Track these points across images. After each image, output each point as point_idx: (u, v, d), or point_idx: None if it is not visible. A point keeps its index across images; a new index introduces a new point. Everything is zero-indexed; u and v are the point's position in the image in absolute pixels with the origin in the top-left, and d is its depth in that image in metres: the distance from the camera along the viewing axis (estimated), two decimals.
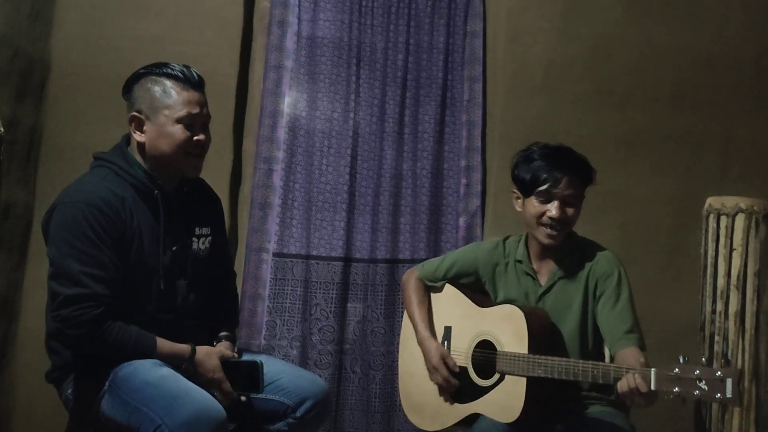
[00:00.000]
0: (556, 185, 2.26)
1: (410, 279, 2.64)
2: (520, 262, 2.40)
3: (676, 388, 1.87)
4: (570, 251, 2.36)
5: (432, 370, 2.43)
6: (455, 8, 3.59)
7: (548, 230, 2.29)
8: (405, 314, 2.67)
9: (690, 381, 1.85)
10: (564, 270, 2.34)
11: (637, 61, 3.49)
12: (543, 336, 2.26)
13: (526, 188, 2.32)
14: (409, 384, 2.60)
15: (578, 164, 2.32)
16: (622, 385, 1.97)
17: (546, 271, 2.38)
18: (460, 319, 2.48)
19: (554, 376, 2.14)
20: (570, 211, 2.29)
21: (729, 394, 1.81)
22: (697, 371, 1.85)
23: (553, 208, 2.27)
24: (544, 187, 2.27)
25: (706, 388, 1.83)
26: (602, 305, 2.27)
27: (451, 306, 2.53)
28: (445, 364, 2.40)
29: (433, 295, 2.61)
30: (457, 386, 2.39)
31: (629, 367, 1.98)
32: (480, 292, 2.51)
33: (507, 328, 2.29)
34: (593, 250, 2.36)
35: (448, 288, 2.56)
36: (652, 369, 1.92)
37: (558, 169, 2.28)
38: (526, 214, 2.34)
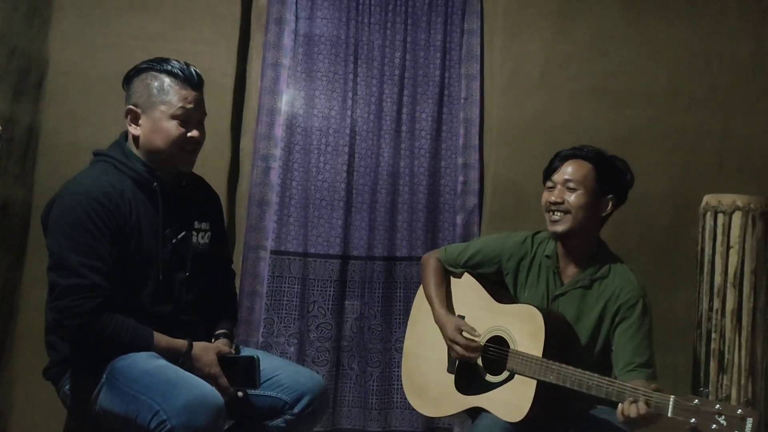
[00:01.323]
0: (555, 171, 2.34)
1: (430, 260, 2.63)
2: (548, 257, 2.40)
3: (693, 419, 1.86)
4: (599, 264, 2.36)
5: (450, 343, 2.42)
6: (452, 6, 3.59)
7: (550, 215, 2.32)
8: (418, 294, 2.66)
9: (708, 414, 1.84)
10: (588, 280, 2.34)
11: (634, 59, 3.49)
12: (559, 342, 2.25)
13: (543, 182, 2.40)
14: (412, 365, 2.59)
15: (586, 154, 2.35)
16: (630, 411, 1.96)
17: (570, 274, 2.38)
18: (475, 310, 2.47)
19: (566, 385, 2.12)
20: (571, 197, 2.30)
21: None
22: (718, 406, 1.84)
23: (552, 194, 2.32)
24: (548, 174, 2.36)
25: (725, 424, 1.82)
26: (621, 333, 2.27)
27: (468, 295, 2.52)
28: (461, 334, 2.39)
29: (451, 281, 2.60)
30: (479, 352, 2.36)
31: (646, 392, 1.97)
32: (498, 284, 2.50)
33: (524, 328, 2.28)
34: (622, 273, 2.35)
35: (467, 277, 2.55)
36: (671, 397, 1.92)
37: (560, 158, 2.36)
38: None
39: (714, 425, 1.83)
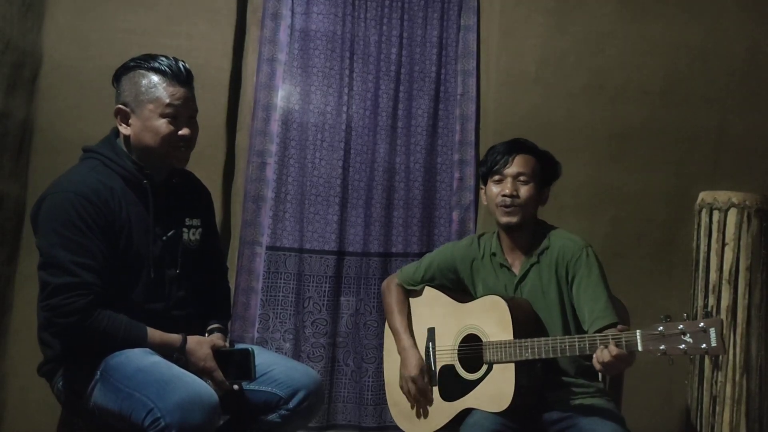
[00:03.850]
0: (506, 165, 2.38)
1: (390, 286, 2.66)
2: (494, 254, 2.45)
3: (662, 346, 1.92)
4: (539, 239, 2.40)
5: (408, 380, 2.46)
6: (449, 2, 3.58)
7: (503, 209, 2.36)
8: (387, 324, 2.67)
9: (675, 337, 1.90)
10: (535, 258, 2.38)
11: (630, 55, 3.49)
12: (526, 321, 2.29)
13: (485, 176, 2.44)
14: (395, 393, 2.59)
15: (529, 147, 2.42)
16: (603, 356, 2.01)
17: (519, 261, 2.42)
18: (443, 318, 2.49)
19: (542, 356, 2.16)
20: (523, 189, 2.36)
21: (714, 343, 1.86)
22: (681, 326, 1.90)
23: (505, 187, 2.36)
24: (496, 167, 2.39)
25: (691, 341, 1.88)
26: (576, 288, 2.31)
27: (432, 307, 2.55)
28: (423, 378, 2.44)
29: (412, 300, 2.62)
30: (430, 402, 2.43)
31: (614, 335, 2.03)
32: (460, 291, 2.54)
33: (491, 318, 2.31)
34: (560, 236, 2.40)
35: (428, 290, 2.58)
36: (638, 331, 1.97)
37: (508, 151, 2.40)
38: (488, 203, 2.44)
39: (682, 345, 1.89)
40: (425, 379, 2.44)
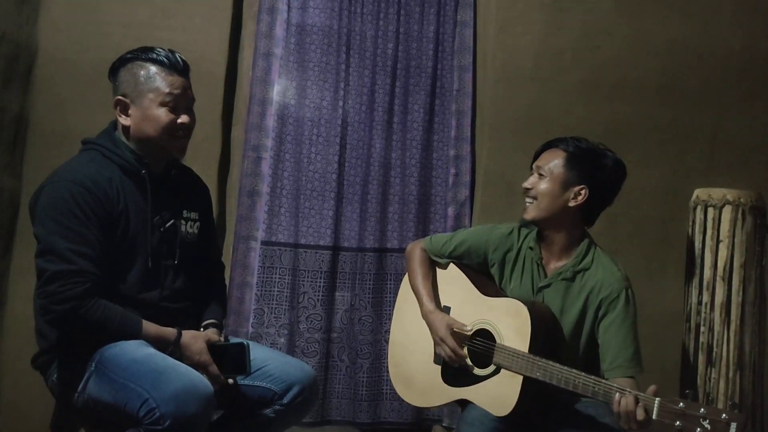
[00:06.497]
0: (534, 159, 2.39)
1: (415, 250, 2.60)
2: (531, 248, 2.40)
3: (678, 422, 1.86)
4: (581, 255, 2.34)
5: (439, 341, 2.39)
6: None
7: (525, 201, 2.36)
8: (403, 283, 2.64)
9: (693, 418, 1.84)
10: (570, 273, 2.32)
11: (626, 53, 3.49)
12: (544, 338, 2.25)
13: None
14: (398, 354, 2.58)
15: (559, 142, 2.37)
16: (620, 405, 1.95)
17: (553, 266, 2.37)
18: (461, 302, 2.45)
19: (552, 382, 2.12)
20: (539, 184, 2.33)
21: None
22: (703, 410, 1.84)
23: (528, 180, 2.36)
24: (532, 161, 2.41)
25: (710, 428, 1.82)
26: (605, 328, 2.25)
27: (453, 287, 2.51)
28: (453, 334, 2.37)
29: (437, 271, 2.58)
30: (465, 358, 2.35)
31: (634, 391, 1.97)
32: (484, 276, 2.49)
33: (510, 323, 2.27)
34: (604, 266, 2.32)
35: (452, 268, 2.54)
36: (657, 399, 1.91)
37: (543, 146, 2.40)
38: None
39: (699, 429, 1.83)
40: (460, 333, 2.37)
